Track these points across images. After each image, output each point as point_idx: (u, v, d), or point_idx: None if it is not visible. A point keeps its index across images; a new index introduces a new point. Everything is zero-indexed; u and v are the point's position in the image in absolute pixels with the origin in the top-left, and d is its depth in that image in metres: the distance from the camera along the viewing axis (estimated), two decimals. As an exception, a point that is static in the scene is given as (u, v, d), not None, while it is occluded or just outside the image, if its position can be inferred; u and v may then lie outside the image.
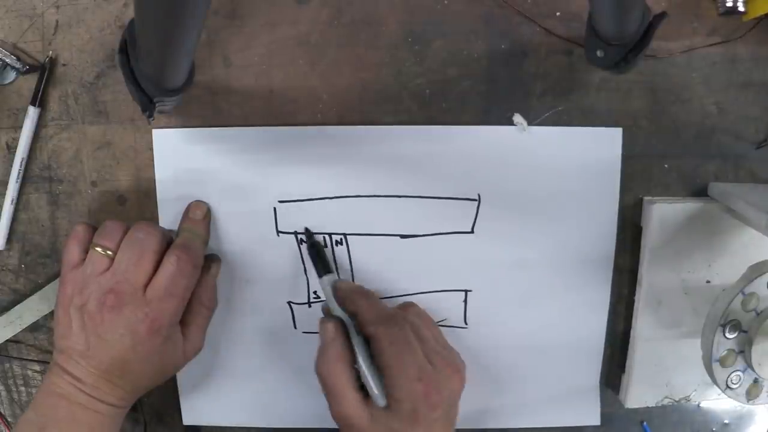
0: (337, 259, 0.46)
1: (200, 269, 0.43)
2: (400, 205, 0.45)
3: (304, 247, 0.46)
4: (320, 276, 0.44)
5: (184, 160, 0.45)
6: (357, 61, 0.44)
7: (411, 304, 0.45)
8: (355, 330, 0.41)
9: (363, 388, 0.39)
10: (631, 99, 0.45)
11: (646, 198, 0.46)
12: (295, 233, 0.46)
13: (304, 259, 0.46)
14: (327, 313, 0.44)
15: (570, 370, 0.48)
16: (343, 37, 0.43)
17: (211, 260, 0.45)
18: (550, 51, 0.44)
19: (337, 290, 0.43)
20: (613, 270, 0.46)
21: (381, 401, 0.38)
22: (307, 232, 0.45)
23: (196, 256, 0.42)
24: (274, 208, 0.45)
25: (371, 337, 0.39)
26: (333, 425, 0.50)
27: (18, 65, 0.43)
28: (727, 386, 0.43)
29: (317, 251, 0.45)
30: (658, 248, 0.45)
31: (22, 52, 0.44)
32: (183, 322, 0.43)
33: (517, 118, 0.44)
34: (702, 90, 0.45)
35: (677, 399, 0.48)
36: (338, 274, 0.46)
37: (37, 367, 0.49)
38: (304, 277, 0.46)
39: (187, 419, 0.50)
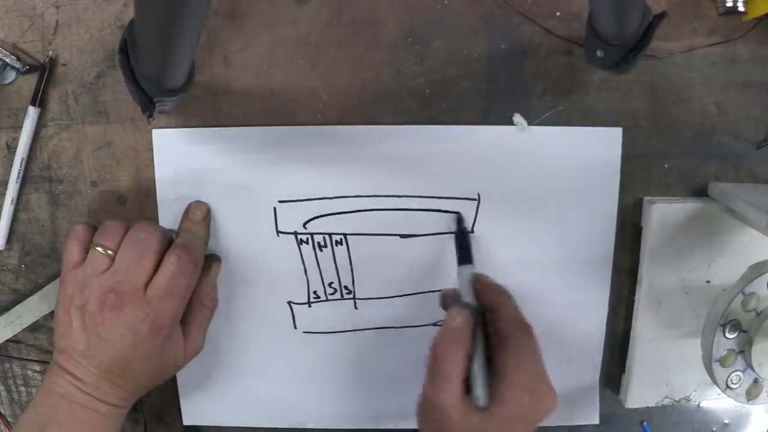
0: (336, 259, 0.46)
1: (200, 269, 0.43)
2: (400, 205, 0.45)
3: (304, 247, 0.46)
4: (461, 263, 0.43)
5: (184, 160, 0.45)
6: (357, 61, 0.44)
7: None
8: (479, 325, 0.39)
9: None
10: (631, 99, 0.45)
11: (646, 198, 0.46)
12: (295, 233, 0.46)
13: (304, 259, 0.46)
14: (450, 300, 0.42)
15: (570, 370, 0.48)
16: (343, 37, 0.43)
17: (211, 260, 0.45)
18: (550, 51, 0.44)
19: (477, 281, 0.42)
20: (613, 270, 0.46)
21: (485, 401, 0.37)
22: (459, 218, 0.45)
23: (197, 256, 0.42)
24: (274, 208, 0.45)
25: (505, 336, 0.38)
26: (332, 426, 0.50)
27: (18, 65, 0.43)
28: (727, 386, 0.43)
29: (464, 238, 0.44)
30: (658, 248, 0.45)
31: (22, 52, 0.44)
32: (183, 322, 0.43)
33: (517, 118, 0.44)
34: (702, 90, 0.45)
35: (677, 399, 0.48)
36: (337, 269, 0.46)
37: (37, 367, 0.49)
38: (304, 277, 0.46)
39: (187, 419, 0.50)
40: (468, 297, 0.41)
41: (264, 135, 0.44)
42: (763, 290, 0.41)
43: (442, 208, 0.45)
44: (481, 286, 0.41)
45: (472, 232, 0.46)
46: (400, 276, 0.47)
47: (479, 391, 0.37)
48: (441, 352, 0.38)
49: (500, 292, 0.41)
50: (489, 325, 0.40)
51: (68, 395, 0.39)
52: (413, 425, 0.50)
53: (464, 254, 0.43)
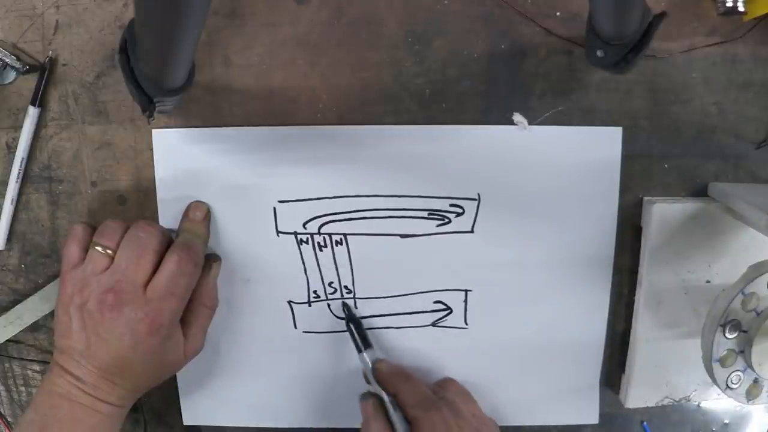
0: (336, 259, 0.46)
1: (201, 269, 0.43)
2: (400, 205, 0.45)
3: (304, 246, 0.46)
4: (359, 351, 0.45)
5: (184, 160, 0.45)
6: (357, 61, 0.44)
7: (449, 381, 0.47)
8: (393, 408, 0.41)
9: None
10: (631, 99, 0.45)
11: (646, 198, 0.46)
12: (295, 233, 0.46)
13: (304, 259, 0.46)
14: (367, 384, 0.45)
15: (570, 370, 0.48)
16: (343, 37, 0.43)
17: (211, 260, 0.45)
18: (550, 51, 0.44)
19: (376, 371, 0.44)
20: (613, 270, 0.46)
21: None
22: (345, 306, 0.47)
23: (197, 256, 0.42)
24: (274, 208, 0.45)
25: (412, 421, 0.40)
26: (332, 425, 0.50)
27: (18, 65, 0.43)
28: (727, 386, 0.43)
29: (356, 326, 0.46)
30: (658, 248, 0.45)
31: (22, 52, 0.44)
32: (183, 321, 0.43)
33: (517, 117, 0.44)
34: (702, 90, 0.45)
35: (677, 399, 0.48)
36: (337, 269, 0.46)
37: (37, 367, 0.49)
38: (304, 277, 0.46)
39: (187, 419, 0.50)
40: (375, 385, 0.43)
41: (264, 135, 0.44)
42: (763, 290, 0.41)
43: (443, 208, 0.45)
44: (381, 375, 0.44)
45: (472, 231, 0.46)
46: (400, 276, 0.47)
47: None
48: None
49: (398, 377, 0.43)
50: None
51: (68, 395, 0.39)
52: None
53: (361, 341, 0.45)
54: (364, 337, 0.46)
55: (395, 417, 0.41)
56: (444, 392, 0.44)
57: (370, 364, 0.44)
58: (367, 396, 0.43)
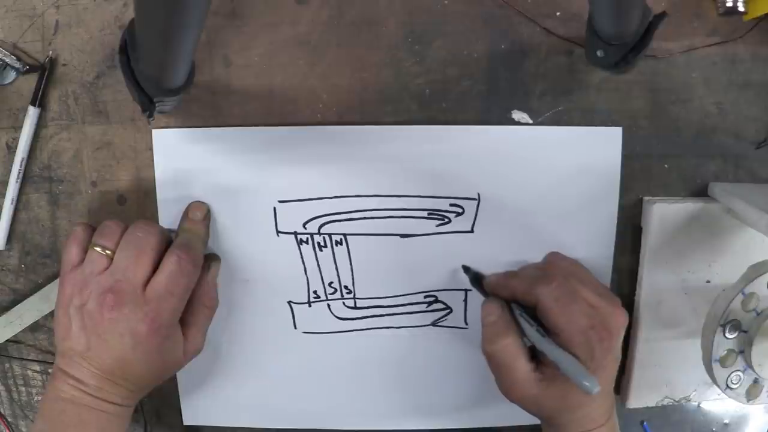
0: (336, 259, 0.46)
1: (200, 269, 0.43)
2: (400, 205, 0.45)
3: (303, 246, 0.46)
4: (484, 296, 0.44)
5: (184, 160, 0.45)
6: (357, 61, 0.44)
7: (554, 255, 0.45)
8: (516, 306, 0.41)
9: (533, 361, 0.40)
10: (631, 99, 0.45)
11: (646, 198, 0.46)
12: (295, 233, 0.46)
13: (304, 259, 0.46)
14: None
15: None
16: (343, 37, 0.43)
17: (210, 260, 0.45)
18: (550, 51, 0.44)
19: (487, 286, 0.43)
20: (613, 270, 0.46)
21: (564, 358, 0.37)
22: (467, 270, 0.46)
23: (197, 256, 0.42)
24: (274, 208, 0.45)
25: (537, 302, 0.39)
26: (331, 426, 0.50)
27: (18, 65, 0.43)
28: (727, 386, 0.43)
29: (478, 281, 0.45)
30: (658, 248, 0.45)
31: (22, 52, 0.44)
32: (183, 322, 0.42)
33: (517, 113, 0.44)
34: (702, 90, 0.45)
35: (677, 399, 0.48)
36: (337, 269, 0.46)
37: (37, 367, 0.49)
38: (304, 277, 0.46)
39: (187, 419, 0.50)
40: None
41: (264, 135, 0.44)
42: (763, 290, 0.41)
43: (443, 208, 0.45)
44: (493, 287, 0.43)
45: (472, 231, 0.46)
46: (400, 276, 0.47)
47: (553, 352, 0.37)
48: (490, 347, 0.40)
49: (505, 278, 0.43)
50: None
51: (73, 399, 0.39)
52: (414, 425, 0.50)
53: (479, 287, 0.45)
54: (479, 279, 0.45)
55: (518, 311, 0.40)
56: (556, 266, 0.43)
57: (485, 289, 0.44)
58: (489, 300, 0.42)
